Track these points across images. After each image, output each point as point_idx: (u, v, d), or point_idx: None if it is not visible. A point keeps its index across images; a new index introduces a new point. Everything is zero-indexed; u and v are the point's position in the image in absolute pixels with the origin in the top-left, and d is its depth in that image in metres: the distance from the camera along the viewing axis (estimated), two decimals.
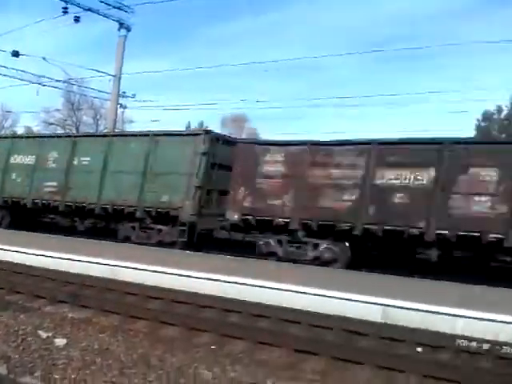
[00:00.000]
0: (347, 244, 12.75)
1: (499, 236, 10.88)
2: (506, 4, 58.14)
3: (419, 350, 6.78)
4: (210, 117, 78.46)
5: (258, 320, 7.82)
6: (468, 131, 37.10)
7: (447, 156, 11.58)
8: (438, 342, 6.85)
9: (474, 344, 6.79)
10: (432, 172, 11.63)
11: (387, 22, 67.14)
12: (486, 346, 6.73)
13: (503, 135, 35.39)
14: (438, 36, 54.56)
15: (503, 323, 7.13)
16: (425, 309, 7.69)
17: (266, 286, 8.99)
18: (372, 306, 8.00)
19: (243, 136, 44.56)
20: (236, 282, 9.24)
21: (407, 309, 7.77)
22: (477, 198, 11.08)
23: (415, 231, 11.66)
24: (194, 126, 48.48)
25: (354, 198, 12.40)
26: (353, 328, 7.35)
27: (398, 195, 11.86)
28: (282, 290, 8.82)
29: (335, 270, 12.49)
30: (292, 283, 8.96)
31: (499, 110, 41.15)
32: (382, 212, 12.02)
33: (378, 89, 64.56)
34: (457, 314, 7.45)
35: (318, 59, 64.03)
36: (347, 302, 8.20)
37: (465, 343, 6.83)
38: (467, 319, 7.34)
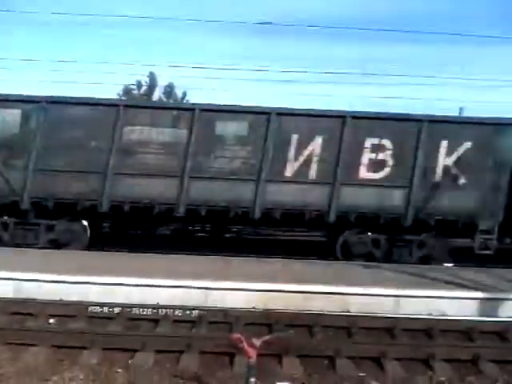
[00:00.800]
0: None
1: None
2: None
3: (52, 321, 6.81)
4: None
5: None
6: None
7: None
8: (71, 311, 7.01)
9: (105, 309, 7.15)
10: None
11: None
12: (117, 310, 7.15)
13: None
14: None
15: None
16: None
17: None
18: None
19: None
20: None
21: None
22: None
23: None
24: None
25: None
26: None
27: None
28: None
29: None
30: None
31: (139, 85, 42.77)
32: None
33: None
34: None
35: None
36: None
37: (97, 309, 7.13)
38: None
